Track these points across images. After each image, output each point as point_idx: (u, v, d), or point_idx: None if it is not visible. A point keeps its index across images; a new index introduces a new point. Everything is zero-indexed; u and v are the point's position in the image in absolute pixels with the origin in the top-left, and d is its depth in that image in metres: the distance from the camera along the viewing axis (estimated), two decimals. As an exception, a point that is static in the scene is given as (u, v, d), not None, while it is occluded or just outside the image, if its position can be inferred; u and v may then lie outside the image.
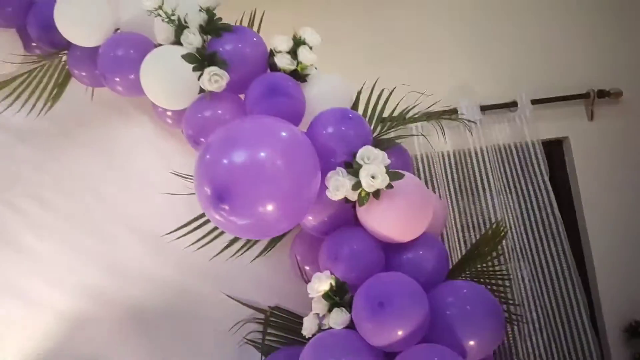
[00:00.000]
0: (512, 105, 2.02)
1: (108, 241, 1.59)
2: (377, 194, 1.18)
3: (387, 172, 1.18)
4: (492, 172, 1.97)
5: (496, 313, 1.17)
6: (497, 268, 1.48)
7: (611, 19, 2.15)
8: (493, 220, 1.93)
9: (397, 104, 1.55)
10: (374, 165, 1.19)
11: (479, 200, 1.98)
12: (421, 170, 1.96)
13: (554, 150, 2.10)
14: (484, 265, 1.45)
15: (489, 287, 1.40)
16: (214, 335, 1.57)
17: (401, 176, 1.20)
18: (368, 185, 1.17)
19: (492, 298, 1.18)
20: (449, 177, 1.98)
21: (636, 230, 2.02)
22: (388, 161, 1.22)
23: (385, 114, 1.52)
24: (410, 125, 1.86)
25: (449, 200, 1.96)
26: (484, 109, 2.02)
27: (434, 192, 1.96)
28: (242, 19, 1.51)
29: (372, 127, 1.44)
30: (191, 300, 1.58)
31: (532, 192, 1.96)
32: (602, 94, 2.03)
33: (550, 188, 1.96)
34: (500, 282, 1.47)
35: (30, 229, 1.58)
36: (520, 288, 1.88)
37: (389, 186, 1.18)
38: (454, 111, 2.00)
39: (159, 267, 1.57)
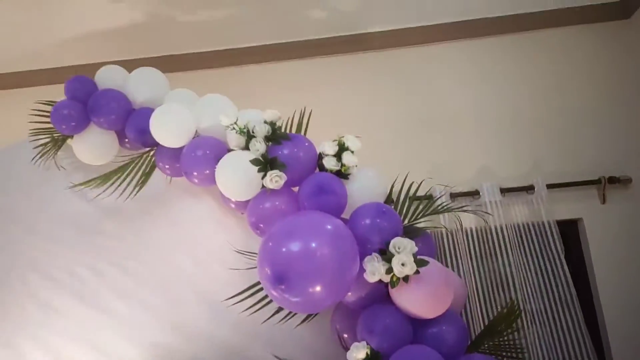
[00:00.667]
0: (530, 188, 2.25)
1: (175, 303, 1.86)
2: (406, 278, 1.43)
3: (415, 260, 1.44)
4: (511, 248, 2.18)
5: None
6: (512, 343, 1.67)
7: (621, 110, 2.39)
8: (513, 293, 2.12)
9: (425, 193, 1.82)
10: (403, 254, 1.44)
11: (499, 273, 2.18)
12: (446, 245, 2.19)
13: (570, 230, 2.30)
14: (500, 340, 1.65)
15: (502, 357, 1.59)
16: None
17: (426, 263, 1.45)
18: (399, 271, 1.42)
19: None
20: (472, 251, 2.19)
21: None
22: (416, 249, 1.48)
23: (415, 202, 1.78)
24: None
25: (471, 273, 2.17)
26: (503, 191, 2.25)
27: (457, 264, 2.17)
28: (293, 117, 1.84)
29: (402, 216, 1.71)
30: (245, 357, 1.82)
31: (549, 268, 2.15)
32: (612, 180, 2.23)
33: (565, 265, 2.15)
34: (514, 355, 1.66)
35: (110, 290, 1.88)
36: (538, 356, 2.05)
37: (417, 272, 1.43)
38: (476, 192, 2.25)
39: (217, 328, 1.83)
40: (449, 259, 2.21)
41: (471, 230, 2.24)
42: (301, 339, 1.82)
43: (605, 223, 2.23)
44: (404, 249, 1.45)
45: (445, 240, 2.21)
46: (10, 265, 1.88)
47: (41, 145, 1.95)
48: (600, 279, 2.18)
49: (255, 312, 1.73)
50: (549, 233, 2.17)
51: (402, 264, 1.42)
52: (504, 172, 2.34)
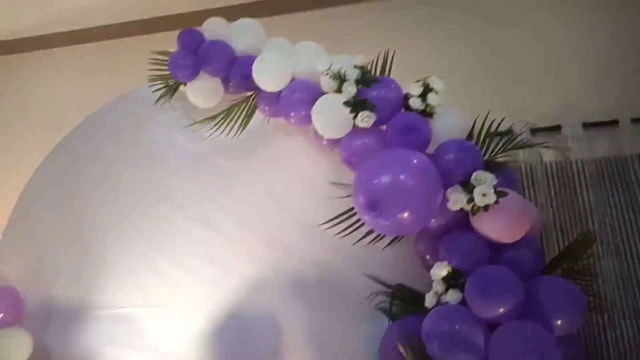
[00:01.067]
0: (614, 122, 2.25)
1: (278, 227, 2.17)
2: (486, 207, 1.60)
3: (495, 191, 1.59)
4: (591, 183, 2.23)
5: (579, 300, 1.54)
6: (586, 268, 1.79)
7: None
8: (590, 226, 2.20)
9: (506, 130, 1.92)
10: (484, 186, 1.60)
11: (577, 208, 2.25)
12: (525, 180, 2.28)
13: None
14: (575, 265, 1.78)
15: (577, 282, 1.74)
16: (354, 303, 2.08)
17: (506, 194, 1.60)
18: (480, 201, 1.58)
19: (575, 289, 1.56)
20: (550, 186, 2.27)
21: None
22: (495, 181, 1.63)
23: (495, 138, 1.90)
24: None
25: (549, 206, 2.26)
26: (586, 125, 2.28)
27: (536, 198, 2.27)
28: (377, 58, 1.98)
29: (483, 151, 1.84)
30: (337, 275, 2.10)
31: (629, 203, 2.19)
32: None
33: None
34: (588, 279, 1.79)
35: (225, 216, 2.21)
36: (612, 285, 2.15)
37: (496, 202, 1.59)
38: (558, 128, 2.29)
39: (315, 249, 2.12)
40: (527, 193, 2.30)
41: (551, 165, 2.30)
42: (387, 260, 2.06)
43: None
44: (485, 181, 1.61)
45: (524, 175, 2.29)
46: (147, 196, 2.26)
47: (158, 89, 2.25)
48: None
49: (347, 234, 1.99)
50: (631, 168, 2.19)
51: (483, 195, 1.59)
52: (587, 106, 2.34)
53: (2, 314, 2.18)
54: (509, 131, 2.15)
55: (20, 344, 2.16)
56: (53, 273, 2.30)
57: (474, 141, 1.82)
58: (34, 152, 2.52)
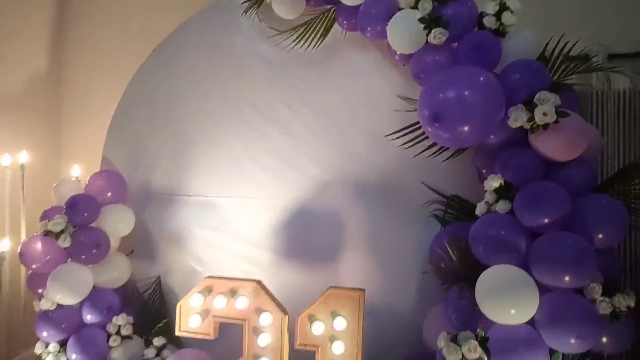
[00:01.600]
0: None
1: (347, 135, 2.37)
2: (545, 126, 1.70)
3: (556, 112, 1.68)
4: None
5: (621, 218, 1.66)
6: (637, 191, 1.87)
7: None
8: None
9: (579, 53, 1.94)
10: (546, 105, 1.69)
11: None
12: (595, 105, 2.28)
13: None
14: (630, 187, 1.86)
15: (627, 204, 1.83)
16: (408, 207, 2.30)
17: (566, 115, 1.69)
18: (540, 119, 1.68)
19: (620, 207, 1.67)
20: (620, 114, 2.26)
21: None
22: (558, 102, 1.71)
23: (567, 61, 1.93)
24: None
25: (615, 135, 2.26)
26: (668, 53, 2.21)
27: (604, 126, 2.27)
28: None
29: (552, 73, 1.89)
30: (397, 183, 2.31)
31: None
32: None
33: None
34: (637, 201, 1.87)
35: (302, 121, 2.43)
36: None
37: (556, 121, 1.68)
38: (636, 55, 2.24)
39: (379, 157, 2.32)
40: (595, 119, 2.30)
41: (623, 93, 2.28)
42: (446, 172, 2.23)
43: None
44: (547, 101, 1.69)
45: (594, 99, 2.29)
46: (231, 100, 2.52)
47: (246, 0, 2.41)
48: None
49: (410, 146, 2.16)
50: None
51: (544, 114, 1.68)
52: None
53: (110, 193, 2.60)
54: (584, 55, 2.15)
55: (126, 218, 2.60)
56: (151, 163, 2.68)
57: (544, 63, 1.87)
58: (130, 60, 2.80)
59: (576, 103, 1.87)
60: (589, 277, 1.65)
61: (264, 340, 2.09)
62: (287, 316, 2.09)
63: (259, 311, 2.10)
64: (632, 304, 1.69)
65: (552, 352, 1.70)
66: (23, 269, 2.84)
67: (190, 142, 2.61)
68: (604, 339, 1.72)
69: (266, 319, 2.09)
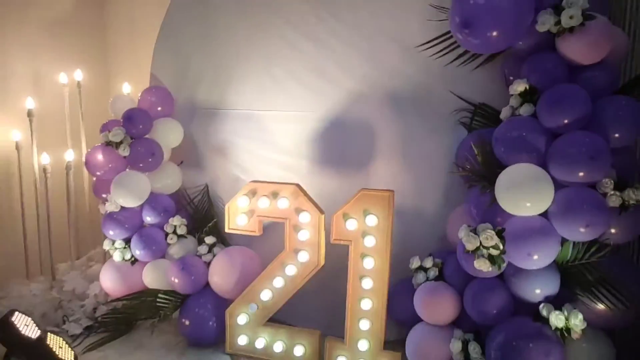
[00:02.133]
0: None
1: (379, 48, 2.46)
2: (572, 29, 1.76)
3: (583, 14, 1.73)
4: None
5: (638, 116, 1.76)
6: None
7: None
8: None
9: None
10: (573, 9, 1.74)
11: None
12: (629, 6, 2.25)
13: None
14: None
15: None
16: (436, 116, 2.43)
17: (593, 18, 1.74)
18: (566, 22, 1.75)
19: (638, 107, 1.76)
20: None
21: None
22: (587, 5, 1.76)
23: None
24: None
25: None
26: None
27: (630, 27, 2.27)
28: None
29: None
30: (427, 92, 2.42)
31: None
32: None
33: None
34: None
35: (332, 35, 2.53)
36: None
37: (582, 24, 1.74)
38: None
39: (410, 68, 2.42)
40: (628, 24, 2.29)
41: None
42: (475, 82, 2.33)
43: None
44: (575, 4, 1.74)
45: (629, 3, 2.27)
46: (268, 18, 2.63)
47: None
48: None
49: (441, 56, 2.25)
50: None
51: (570, 17, 1.74)
52: None
53: (160, 107, 2.83)
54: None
55: (176, 130, 2.85)
56: (196, 80, 2.87)
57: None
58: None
59: (605, 5, 1.90)
60: (602, 174, 1.79)
61: (304, 235, 2.35)
62: (323, 215, 2.33)
63: (298, 211, 2.35)
64: (642, 198, 1.82)
65: (563, 241, 1.88)
66: (86, 177, 3.18)
67: (230, 58, 2.77)
68: (612, 230, 1.88)
69: (305, 217, 2.34)
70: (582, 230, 1.78)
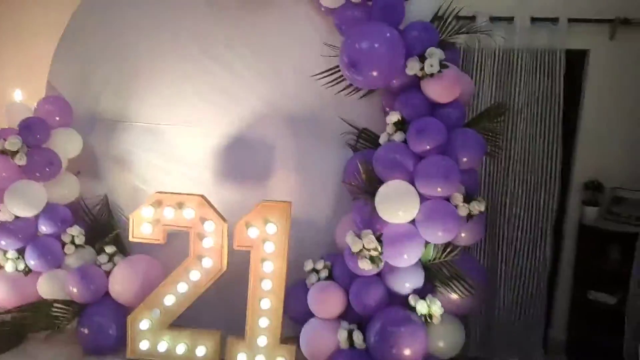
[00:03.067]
0: (555, 20, 2.78)
1: (280, 74, 2.76)
2: (432, 75, 2.23)
3: (440, 64, 2.21)
4: (523, 69, 2.82)
5: (479, 146, 2.29)
6: (494, 127, 2.50)
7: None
8: (517, 98, 2.84)
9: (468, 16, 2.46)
10: (433, 58, 2.21)
11: (508, 83, 2.87)
12: (477, 59, 2.85)
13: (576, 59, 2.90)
14: (487, 124, 2.48)
15: (486, 136, 2.45)
16: (328, 136, 2.78)
17: (447, 67, 2.22)
18: (428, 70, 2.21)
19: (479, 138, 2.28)
20: (495, 68, 2.85)
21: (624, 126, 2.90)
22: (443, 57, 2.23)
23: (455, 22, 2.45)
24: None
25: (492, 80, 2.86)
26: (534, 20, 2.80)
27: (482, 76, 2.87)
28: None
29: (441, 32, 2.40)
30: (320, 116, 2.76)
31: (548, 87, 2.82)
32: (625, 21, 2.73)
33: (561, 85, 2.81)
34: (494, 134, 2.51)
35: (241, 60, 2.77)
36: (517, 142, 2.87)
37: (439, 72, 2.22)
38: (511, 19, 2.81)
39: (306, 93, 2.75)
40: (476, 69, 2.88)
41: (499, 51, 2.87)
42: (360, 109, 2.72)
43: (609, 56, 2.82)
44: (434, 55, 2.21)
45: (476, 56, 2.86)
46: (177, 37, 2.80)
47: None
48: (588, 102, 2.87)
49: (332, 85, 2.62)
50: (557, 59, 2.78)
51: (431, 65, 2.20)
52: (537, 3, 2.83)
53: (58, 117, 2.82)
54: (471, 16, 2.68)
55: (74, 140, 2.85)
56: (97, 89, 2.91)
57: (438, 21, 2.38)
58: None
59: (457, 58, 2.42)
60: (454, 189, 2.27)
61: (208, 243, 2.55)
62: (226, 223, 2.55)
63: (203, 220, 2.54)
64: (482, 209, 2.34)
65: (426, 243, 2.33)
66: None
67: (136, 73, 2.87)
68: (462, 234, 2.38)
69: (209, 226, 2.54)
70: (439, 234, 2.24)
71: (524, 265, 2.82)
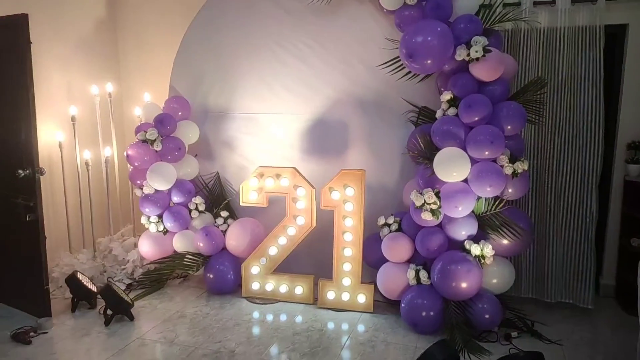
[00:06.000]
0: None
1: (349, 65, 3.35)
2: (477, 59, 2.72)
3: (483, 49, 2.69)
4: (566, 44, 3.15)
5: (520, 115, 2.74)
6: (535, 98, 2.92)
7: None
8: (561, 71, 3.18)
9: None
10: (477, 45, 2.69)
11: (552, 58, 3.21)
12: (522, 40, 3.22)
13: (618, 33, 3.19)
14: (529, 97, 2.91)
15: (528, 106, 2.89)
16: (393, 115, 3.35)
17: (490, 51, 2.70)
18: (473, 55, 2.70)
19: (520, 108, 2.74)
20: (539, 47, 3.20)
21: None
22: (486, 43, 2.71)
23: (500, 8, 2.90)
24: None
25: (537, 56, 3.21)
26: (574, 2, 3.13)
27: (527, 55, 3.24)
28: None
29: (485, 20, 2.86)
30: (385, 98, 3.33)
31: (590, 60, 3.13)
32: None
33: (602, 59, 3.11)
34: (537, 109, 2.93)
35: (316, 55, 3.40)
36: (556, 117, 3.20)
37: (483, 56, 2.70)
38: (553, 1, 3.16)
39: (373, 81, 3.33)
40: (521, 50, 3.25)
41: (542, 29, 3.21)
42: (419, 91, 3.25)
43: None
44: (478, 42, 2.70)
45: (522, 36, 3.24)
46: (264, 41, 3.49)
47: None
48: (629, 70, 3.16)
49: (394, 73, 3.17)
50: (597, 34, 3.08)
51: (476, 51, 2.69)
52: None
53: (180, 112, 3.62)
54: (517, 3, 3.08)
55: (194, 130, 3.64)
56: (207, 88, 3.68)
57: (482, 12, 2.85)
58: (188, 11, 3.69)
59: (500, 42, 2.87)
60: (499, 152, 2.76)
61: (300, 205, 3.23)
62: (314, 189, 3.22)
63: (295, 187, 3.22)
64: (526, 167, 2.80)
65: (478, 198, 2.85)
66: (116, 168, 3.93)
67: (235, 75, 3.60)
68: (510, 189, 2.87)
69: (301, 192, 3.22)
70: (488, 189, 2.74)
71: (572, 219, 3.18)
